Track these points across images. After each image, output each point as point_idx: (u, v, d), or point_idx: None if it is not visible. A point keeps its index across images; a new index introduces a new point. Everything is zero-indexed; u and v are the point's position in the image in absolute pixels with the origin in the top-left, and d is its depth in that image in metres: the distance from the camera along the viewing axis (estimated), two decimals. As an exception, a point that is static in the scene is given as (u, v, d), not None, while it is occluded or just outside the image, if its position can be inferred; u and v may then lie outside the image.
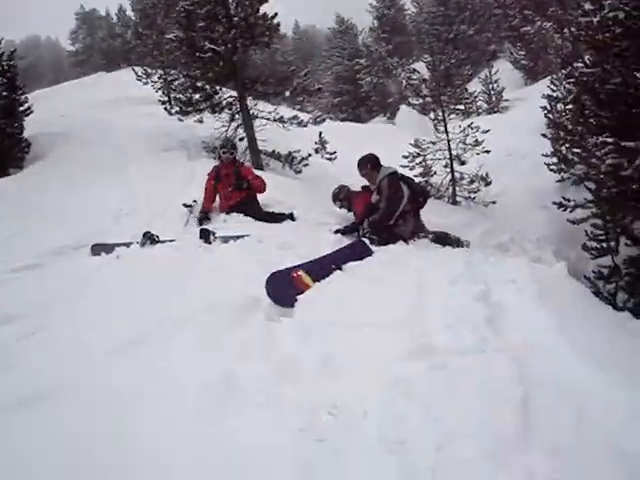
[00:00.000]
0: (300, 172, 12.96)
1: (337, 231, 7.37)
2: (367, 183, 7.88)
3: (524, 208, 12.59)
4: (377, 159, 7.65)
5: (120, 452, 2.97)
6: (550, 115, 13.90)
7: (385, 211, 7.06)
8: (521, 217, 11.90)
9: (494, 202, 12.82)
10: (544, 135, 13.50)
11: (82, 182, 10.63)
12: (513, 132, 16.68)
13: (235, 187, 8.34)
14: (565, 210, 10.07)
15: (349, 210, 8.30)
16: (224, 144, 9.04)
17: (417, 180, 13.48)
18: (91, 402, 3.47)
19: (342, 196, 8.35)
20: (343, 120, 34.98)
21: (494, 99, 25.26)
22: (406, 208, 7.29)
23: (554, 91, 14.08)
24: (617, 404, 3.01)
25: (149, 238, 6.96)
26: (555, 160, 12.75)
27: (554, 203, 10.39)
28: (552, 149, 12.88)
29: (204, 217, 8.26)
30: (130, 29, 42.38)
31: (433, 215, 9.88)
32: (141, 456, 2.94)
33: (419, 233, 7.38)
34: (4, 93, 12.88)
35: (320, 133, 16.13)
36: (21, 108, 14.56)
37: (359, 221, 7.47)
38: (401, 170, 10.41)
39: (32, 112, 15.11)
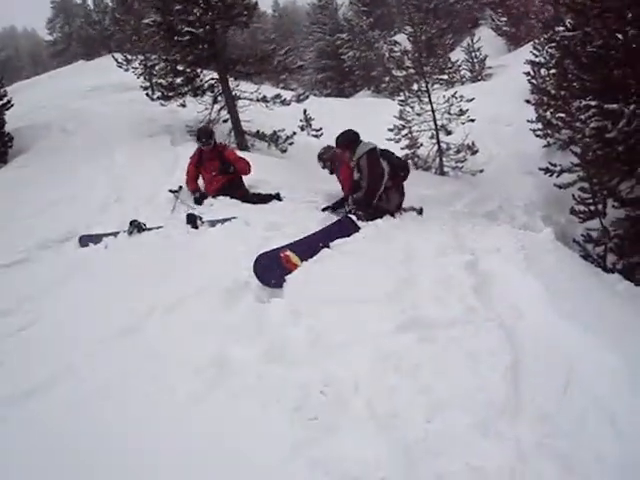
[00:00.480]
0: (286, 151, 12.88)
1: (325, 209, 7.36)
2: None
3: (511, 175, 12.60)
4: (353, 136, 7.47)
5: (115, 439, 3.01)
6: (534, 81, 13.88)
7: (367, 189, 6.99)
8: (509, 184, 11.91)
9: (481, 171, 12.83)
10: (528, 101, 13.46)
11: (67, 173, 10.54)
12: (497, 99, 16.62)
13: (220, 171, 8.28)
14: (552, 175, 10.09)
15: (331, 172, 8.20)
16: (199, 135, 8.87)
17: (402, 153, 13.57)
18: (83, 392, 3.49)
19: (326, 157, 8.24)
20: (327, 96, 34.83)
21: (477, 67, 25.11)
22: (388, 184, 7.18)
23: (537, 56, 14.04)
24: (605, 367, 3.05)
25: (136, 226, 6.92)
26: (540, 126, 12.72)
27: (541, 169, 10.40)
28: (537, 115, 12.86)
29: (200, 196, 8.24)
30: (108, 15, 41.91)
31: (421, 187, 9.90)
32: (137, 441, 2.98)
33: (404, 207, 7.37)
34: (-18, 87, 12.74)
35: (305, 110, 15.99)
36: (0, 102, 14.43)
37: (345, 196, 7.46)
38: (385, 144, 10.40)
39: (12, 106, 14.97)
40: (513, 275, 4.23)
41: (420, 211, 7.49)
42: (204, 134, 8.66)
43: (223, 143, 9.35)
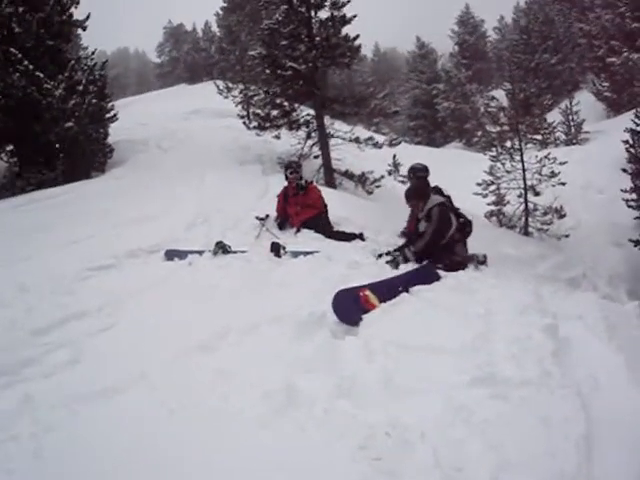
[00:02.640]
0: (372, 193, 13.01)
1: (380, 255, 7.19)
2: None
3: (598, 244, 12.31)
4: (427, 187, 7.53)
5: (178, 453, 3.07)
6: (632, 149, 13.56)
7: (429, 239, 6.96)
8: (594, 253, 11.63)
9: (567, 235, 12.59)
10: (625, 170, 13.18)
11: (159, 189, 10.98)
12: (591, 165, 16.33)
13: (303, 206, 8.45)
14: (642, 249, 9.81)
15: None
16: (288, 164, 9.26)
17: (488, 209, 13.48)
18: (154, 402, 3.60)
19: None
20: (418, 144, 34.98)
21: (573, 130, 24.74)
22: (457, 237, 7.21)
23: (638, 125, 13.70)
24: (685, 450, 2.94)
25: (221, 247, 7.12)
26: (635, 196, 12.41)
27: (631, 240, 10.15)
28: (632, 185, 12.55)
29: (283, 221, 8.60)
30: (214, 44, 43.56)
31: (504, 245, 9.80)
32: (199, 458, 3.03)
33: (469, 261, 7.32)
34: (93, 100, 13.44)
35: (394, 156, 16.12)
36: (107, 115, 15.19)
37: (405, 244, 7.44)
38: (471, 198, 10.37)
39: (117, 119, 15.73)
40: (594, 344, 4.13)
41: (484, 260, 7.42)
42: (286, 167, 8.98)
43: (309, 180, 9.52)
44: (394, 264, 6.79)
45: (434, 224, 6.97)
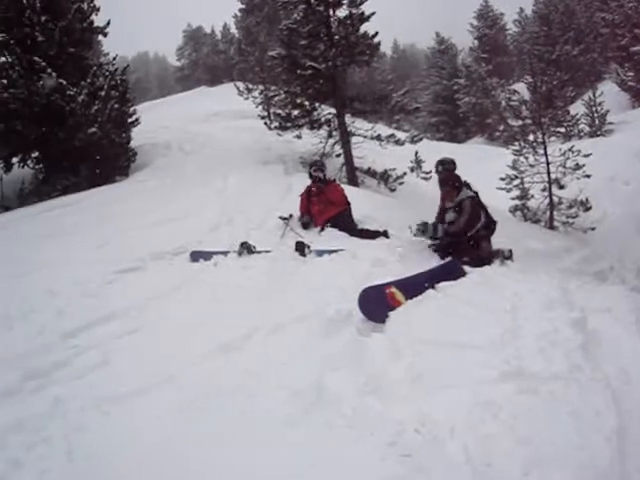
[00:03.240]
0: (394, 190, 12.99)
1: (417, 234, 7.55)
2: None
3: (625, 236, 12.14)
4: (460, 178, 7.64)
5: (208, 453, 3.11)
6: (659, 140, 13.36)
7: (463, 226, 7.08)
8: (622, 245, 11.47)
9: (593, 228, 12.45)
10: (651, 160, 13.01)
11: (183, 191, 11.05)
12: (617, 156, 16.09)
13: (327, 205, 8.47)
14: (670, 240, 9.67)
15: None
16: (313, 162, 9.30)
17: (512, 203, 13.40)
18: (182, 403, 3.64)
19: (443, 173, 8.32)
20: (440, 140, 34.86)
21: (597, 122, 24.42)
22: (483, 233, 7.28)
23: (664, 115, 13.47)
24: None
25: (246, 248, 7.16)
26: (661, 187, 12.25)
27: (658, 231, 9.99)
28: (659, 176, 12.38)
29: (308, 220, 8.58)
30: (233, 46, 43.66)
31: (529, 240, 9.72)
32: (229, 458, 3.07)
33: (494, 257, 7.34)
34: (116, 105, 13.56)
35: (416, 152, 16.07)
36: (130, 119, 15.32)
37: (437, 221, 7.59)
38: (495, 193, 10.30)
39: (139, 123, 15.87)
40: (623, 337, 4.08)
41: (509, 255, 7.42)
42: (310, 165, 9.02)
43: (332, 178, 9.54)
44: (421, 232, 7.29)
45: (466, 214, 7.06)
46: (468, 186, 7.60)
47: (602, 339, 4.04)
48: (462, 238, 7.13)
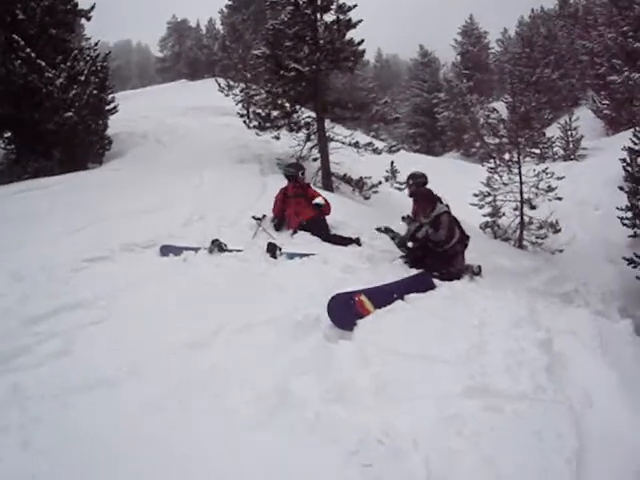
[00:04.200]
0: (369, 198, 13.01)
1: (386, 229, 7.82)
2: None
3: (592, 260, 12.36)
4: (433, 193, 7.72)
5: (167, 451, 3.07)
6: (629, 168, 13.58)
7: (445, 238, 7.14)
8: (588, 269, 11.67)
9: (561, 250, 12.65)
10: (621, 188, 13.23)
11: (157, 183, 10.93)
12: (588, 182, 16.40)
13: (303, 208, 8.45)
14: (635, 267, 9.83)
15: (410, 196, 8.45)
16: (299, 166, 9.27)
17: (483, 220, 13.55)
18: (145, 397, 3.58)
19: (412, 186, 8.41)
20: (417, 152, 35.07)
21: (571, 146, 24.84)
22: (458, 248, 7.36)
23: (636, 144, 13.72)
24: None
25: (217, 245, 7.10)
26: (630, 215, 12.46)
27: (625, 258, 10.19)
28: (628, 203, 12.59)
29: (279, 222, 8.58)
30: (217, 42, 43.47)
31: (499, 257, 9.81)
32: (189, 457, 3.02)
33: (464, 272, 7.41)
34: (94, 91, 13.40)
35: (392, 162, 16.12)
36: (107, 107, 15.15)
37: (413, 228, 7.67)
38: (467, 209, 10.40)
39: (117, 111, 15.70)
40: (587, 360, 4.13)
41: (478, 271, 7.50)
42: (295, 167, 8.96)
43: (307, 182, 9.54)
44: (389, 232, 7.71)
45: (445, 228, 7.10)
46: (439, 200, 7.65)
47: (567, 361, 4.08)
48: (436, 250, 7.17)
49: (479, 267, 7.59)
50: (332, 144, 13.29)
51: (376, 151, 13.35)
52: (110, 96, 15.58)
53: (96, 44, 14.97)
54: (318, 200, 8.49)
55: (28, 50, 12.00)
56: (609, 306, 9.67)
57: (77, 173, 12.24)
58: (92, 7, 14.31)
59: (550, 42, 41.67)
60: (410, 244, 7.53)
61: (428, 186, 8.09)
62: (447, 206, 7.56)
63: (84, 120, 13.00)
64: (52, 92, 12.33)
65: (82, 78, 13.05)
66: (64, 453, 3.03)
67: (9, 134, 13.36)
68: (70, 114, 12.45)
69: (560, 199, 13.07)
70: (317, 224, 8.31)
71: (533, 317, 5.10)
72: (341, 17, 12.53)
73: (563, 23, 43.75)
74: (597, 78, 31.93)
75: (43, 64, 12.29)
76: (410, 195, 8.28)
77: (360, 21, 12.66)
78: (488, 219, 14.27)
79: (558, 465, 2.88)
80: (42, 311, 4.89)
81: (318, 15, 12.76)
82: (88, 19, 14.59)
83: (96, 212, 8.69)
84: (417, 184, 8.16)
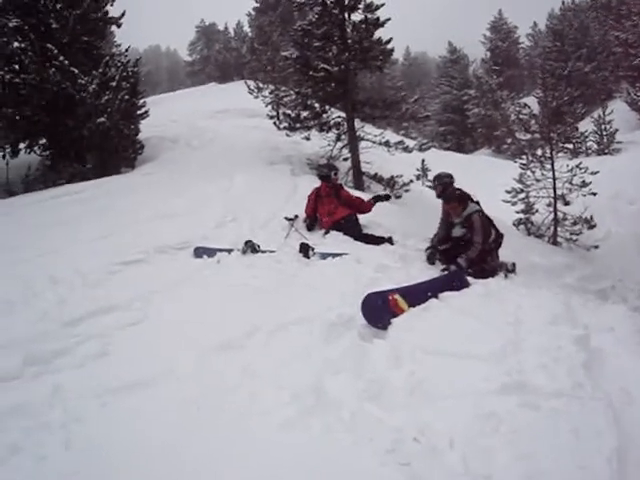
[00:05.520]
0: (400, 197, 12.94)
1: (431, 252, 7.50)
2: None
3: (628, 256, 12.14)
4: (464, 193, 7.64)
5: (204, 451, 3.10)
6: (666, 161, 13.33)
7: (482, 248, 7.03)
8: (624, 265, 11.46)
9: (597, 247, 12.44)
10: (657, 182, 13.00)
11: (188, 186, 11.03)
12: (623, 176, 16.09)
13: (336, 207, 8.47)
14: (673, 262, 9.65)
15: (438, 197, 8.30)
16: (332, 166, 9.30)
17: (516, 217, 13.41)
18: (181, 398, 3.63)
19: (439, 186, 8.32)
20: (447, 149, 34.89)
21: (606, 140, 24.42)
22: (492, 246, 7.28)
23: (673, 137, 13.45)
24: None
25: (250, 247, 7.16)
26: (666, 209, 12.23)
27: (661, 253, 9.97)
28: (665, 197, 12.36)
29: (311, 223, 8.62)
30: (246, 44, 43.74)
31: (533, 254, 9.70)
32: (225, 457, 3.05)
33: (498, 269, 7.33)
34: (126, 97, 13.57)
35: (423, 160, 16.07)
36: (139, 112, 15.33)
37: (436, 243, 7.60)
38: (499, 206, 10.29)
39: (148, 116, 15.88)
40: (626, 357, 4.07)
41: (513, 268, 7.42)
42: (328, 167, 8.99)
43: (340, 182, 9.56)
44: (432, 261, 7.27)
45: (479, 231, 7.01)
46: (470, 198, 7.59)
47: (605, 358, 4.02)
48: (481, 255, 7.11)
49: (513, 264, 7.52)
50: (362, 143, 13.26)
51: (407, 149, 13.28)
52: (141, 101, 15.77)
53: (126, 50, 15.17)
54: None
55: (61, 58, 12.21)
56: (647, 302, 9.49)
57: (110, 178, 12.42)
58: (122, 14, 14.54)
59: (582, 34, 41.10)
60: (442, 247, 7.45)
61: (459, 185, 8.03)
62: (478, 204, 7.50)
63: (116, 125, 13.18)
64: (85, 98, 12.54)
65: (114, 84, 13.23)
66: (104, 452, 3.10)
67: (44, 141, 13.59)
68: (103, 119, 12.64)
69: (594, 194, 12.88)
70: (349, 224, 8.32)
71: (569, 314, 5.04)
72: (369, 16, 12.50)
73: (595, 14, 43.06)
74: (631, 69, 31.33)
75: (76, 71, 12.51)
76: (438, 196, 8.19)
77: (388, 19, 12.62)
78: (521, 216, 14.11)
79: (597, 464, 2.84)
80: (79, 314, 5.01)
81: (346, 15, 12.74)
82: (118, 26, 14.83)
83: (129, 216, 8.82)
84: (444, 185, 8.07)
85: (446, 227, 7.60)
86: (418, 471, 2.85)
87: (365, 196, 9.59)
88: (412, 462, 2.91)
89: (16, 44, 11.80)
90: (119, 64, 13.90)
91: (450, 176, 8.18)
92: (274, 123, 15.76)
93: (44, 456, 3.02)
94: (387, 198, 9.05)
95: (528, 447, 2.96)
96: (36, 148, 13.59)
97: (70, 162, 12.94)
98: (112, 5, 14.48)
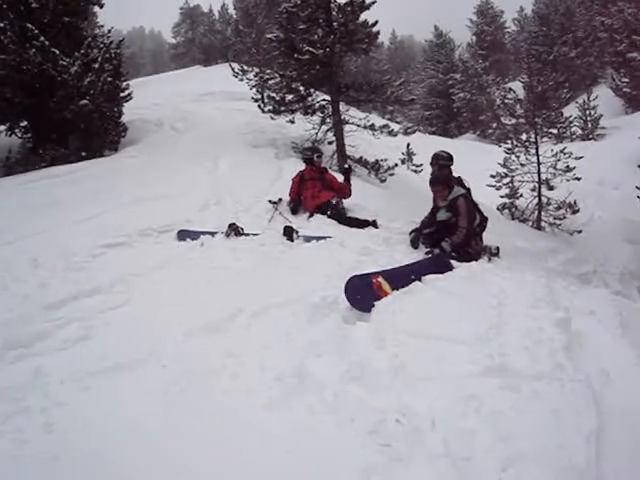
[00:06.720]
0: (385, 181, 12.93)
1: (415, 234, 7.41)
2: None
3: (610, 240, 12.24)
4: (452, 176, 7.61)
5: (189, 432, 3.11)
6: (649, 147, 13.41)
7: (467, 232, 7.01)
8: (607, 249, 11.56)
9: (580, 231, 12.53)
10: (640, 167, 13.07)
11: (172, 169, 10.99)
12: (607, 161, 16.21)
13: (320, 191, 8.47)
14: (655, 247, 9.74)
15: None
16: (315, 149, 9.29)
17: (501, 201, 13.46)
18: (164, 380, 3.63)
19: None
20: (432, 134, 34.88)
21: (590, 125, 24.54)
22: (477, 230, 7.28)
23: (656, 122, 13.53)
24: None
25: (234, 229, 7.14)
26: (650, 194, 12.29)
27: (644, 238, 10.06)
28: (648, 182, 12.42)
29: (295, 206, 8.60)
30: (230, 26, 43.32)
31: (516, 238, 9.75)
32: (210, 438, 3.06)
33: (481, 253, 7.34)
34: (109, 79, 13.39)
35: (408, 144, 16.05)
36: (122, 94, 15.15)
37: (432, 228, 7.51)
38: (485, 190, 10.31)
39: (132, 98, 15.71)
40: (606, 340, 4.09)
41: (496, 252, 7.44)
42: (311, 150, 8.97)
43: (324, 165, 9.54)
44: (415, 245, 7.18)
45: (465, 215, 6.99)
46: (461, 183, 7.57)
47: (585, 340, 4.04)
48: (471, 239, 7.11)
49: (497, 248, 7.54)
50: (347, 127, 13.21)
51: (392, 133, 13.25)
52: (124, 83, 15.57)
53: (109, 31, 14.94)
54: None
55: (42, 38, 12.01)
56: (628, 286, 9.59)
57: (93, 161, 12.29)
58: (105, -6, 14.32)
59: (568, 20, 41.12)
60: (426, 230, 7.42)
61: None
62: (468, 190, 7.48)
63: (99, 107, 13.00)
64: (67, 80, 12.34)
65: (96, 66, 13.03)
66: (86, 436, 3.08)
67: (25, 123, 13.41)
68: (85, 102, 12.46)
69: (578, 179, 12.97)
70: (333, 207, 8.31)
71: (551, 297, 5.06)
72: (354, -1, 12.41)
73: (581, 0, 43.08)
74: (616, 55, 31.35)
75: (57, 52, 12.29)
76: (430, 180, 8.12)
77: (374, 2, 12.51)
78: (506, 200, 14.19)
79: (576, 443, 2.87)
80: (61, 297, 4.99)
81: (331, -4, 12.65)
82: (101, 6, 14.62)
83: (112, 199, 8.76)
84: (440, 166, 8.00)
85: (433, 212, 7.58)
86: (399, 452, 2.87)
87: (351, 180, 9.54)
88: (393, 443, 2.93)
89: (-6, 23, 11.59)
90: (102, 45, 13.68)
91: (449, 158, 8.05)
92: (259, 106, 15.68)
93: (24, 440, 3.01)
94: (348, 170, 9.16)
95: (509, 428, 2.98)
96: (17, 131, 13.40)
97: (52, 145, 12.73)
98: (94, -16, 14.28)
